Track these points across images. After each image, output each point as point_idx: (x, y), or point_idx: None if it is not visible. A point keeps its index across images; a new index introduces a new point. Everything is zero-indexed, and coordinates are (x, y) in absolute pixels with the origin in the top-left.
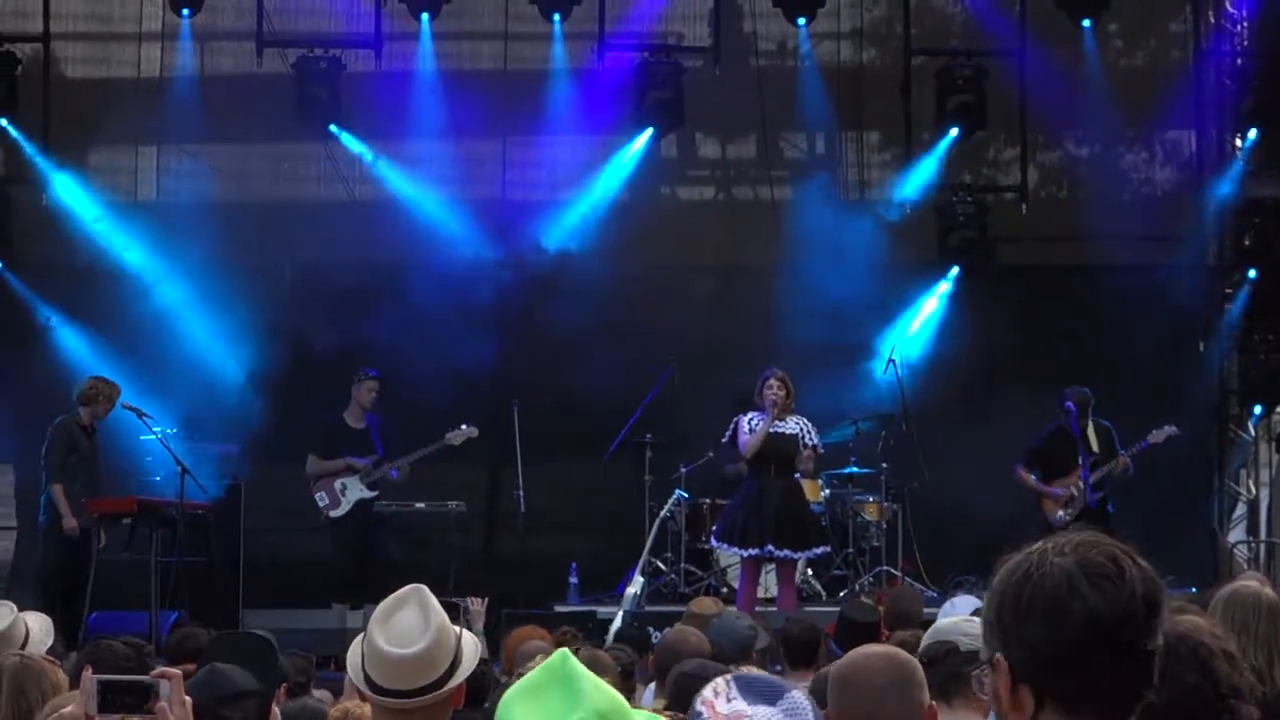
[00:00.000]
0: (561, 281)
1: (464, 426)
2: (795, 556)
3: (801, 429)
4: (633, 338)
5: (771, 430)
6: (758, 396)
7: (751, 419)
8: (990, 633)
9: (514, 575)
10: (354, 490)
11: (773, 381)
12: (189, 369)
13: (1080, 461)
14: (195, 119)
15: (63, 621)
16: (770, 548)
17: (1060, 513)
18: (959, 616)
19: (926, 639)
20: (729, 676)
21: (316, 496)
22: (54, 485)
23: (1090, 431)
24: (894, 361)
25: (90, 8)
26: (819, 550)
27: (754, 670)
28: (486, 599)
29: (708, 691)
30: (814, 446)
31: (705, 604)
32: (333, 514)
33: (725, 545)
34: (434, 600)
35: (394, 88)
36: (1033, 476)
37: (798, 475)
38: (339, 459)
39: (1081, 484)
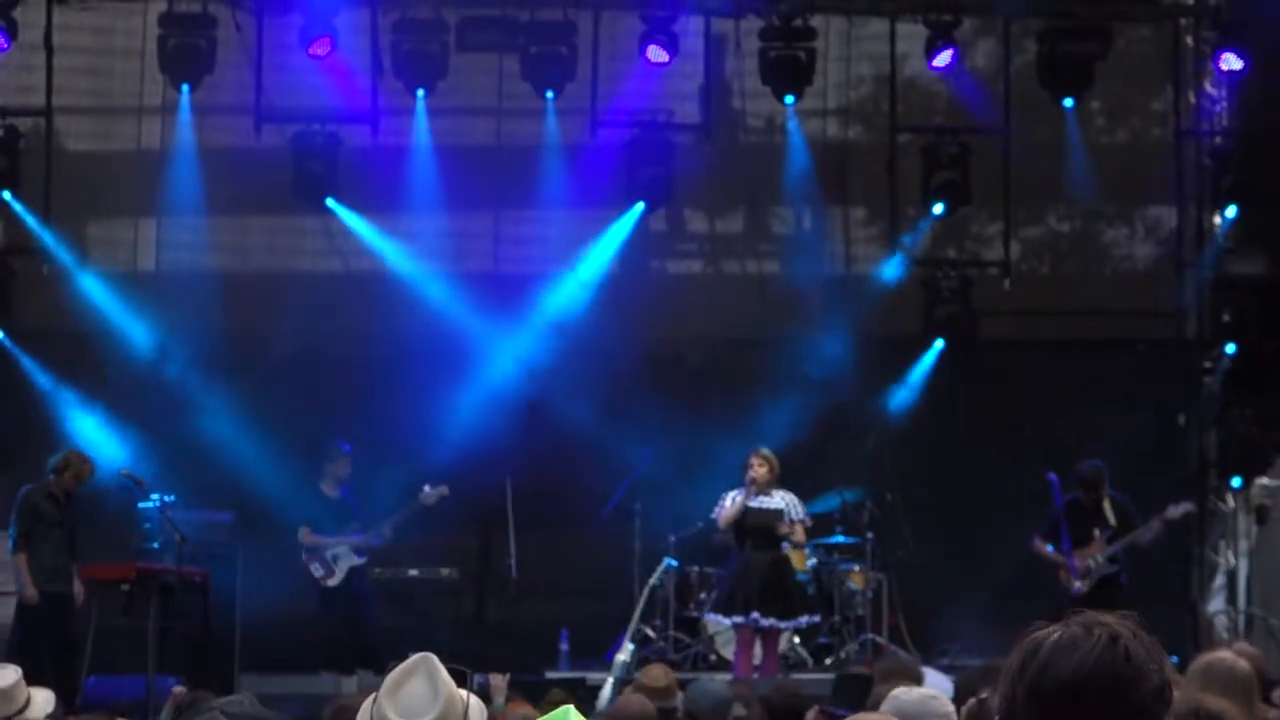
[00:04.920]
0: (553, 354)
1: (428, 488)
2: (781, 626)
3: (787, 504)
4: (623, 409)
5: (756, 505)
6: (743, 473)
7: (735, 494)
8: None
9: (505, 642)
10: (345, 559)
11: (753, 459)
12: (186, 438)
13: (1064, 536)
14: (194, 192)
15: (52, 685)
16: (755, 615)
17: (1078, 584)
18: (928, 691)
19: (894, 713)
20: None
21: (311, 568)
22: (18, 555)
23: (1106, 505)
24: (879, 433)
25: (91, 83)
26: (804, 620)
27: None
28: (508, 675)
29: None
30: (800, 521)
31: (655, 674)
32: (329, 584)
33: (715, 616)
34: (442, 669)
35: (389, 162)
36: (1049, 548)
37: (785, 546)
38: (332, 535)
39: (1098, 557)
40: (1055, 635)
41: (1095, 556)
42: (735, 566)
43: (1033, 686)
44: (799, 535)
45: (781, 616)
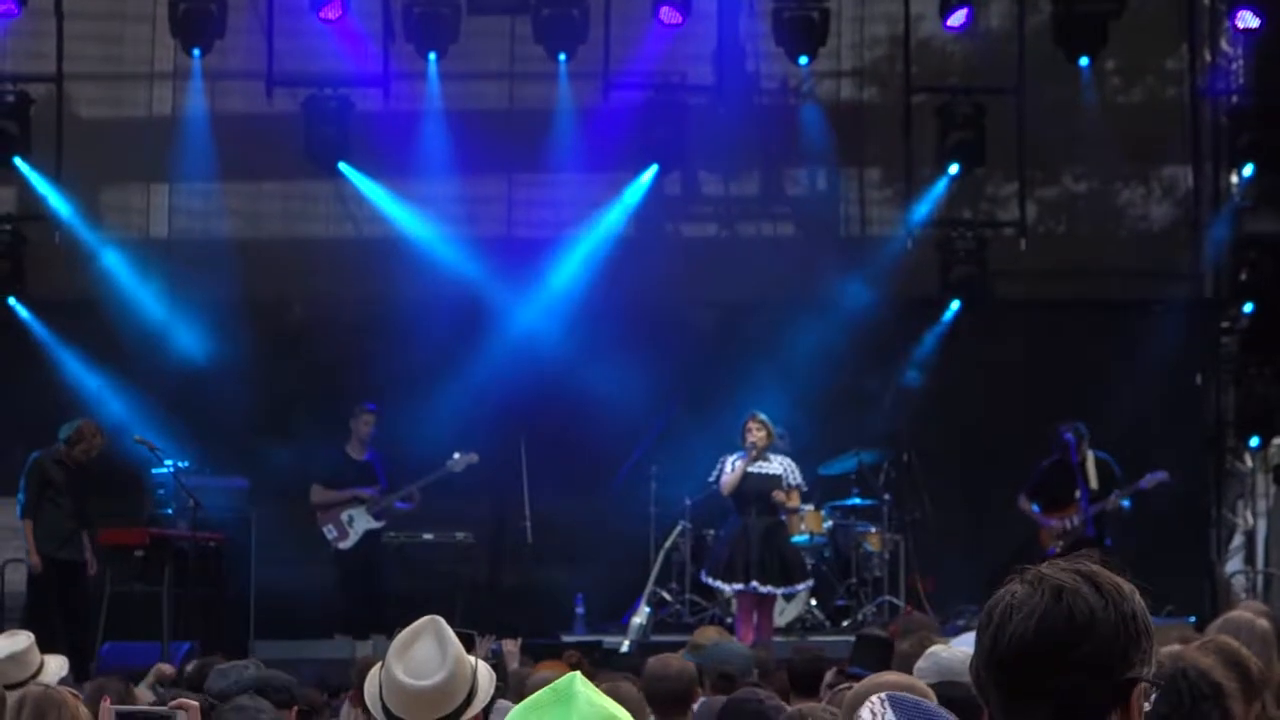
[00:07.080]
0: (567, 318)
1: (458, 455)
2: (779, 592)
3: (785, 470)
4: (638, 373)
5: (754, 470)
6: (741, 438)
7: (735, 459)
8: None
9: (520, 606)
10: (361, 521)
11: (751, 424)
12: (199, 403)
13: (1080, 494)
14: (206, 157)
15: (65, 651)
16: (755, 584)
17: (1053, 546)
18: (964, 651)
19: (936, 678)
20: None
21: (324, 530)
22: (25, 521)
23: (1090, 465)
24: (896, 395)
25: (103, 49)
26: (801, 586)
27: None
28: (520, 639)
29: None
30: (796, 487)
31: (708, 634)
32: (341, 546)
33: (713, 581)
34: (450, 631)
35: (402, 127)
36: (1033, 506)
37: (783, 515)
38: (346, 490)
39: (1082, 516)
40: (1007, 597)
41: (1072, 519)
42: (732, 531)
43: (988, 656)
44: (794, 501)
45: (779, 583)
